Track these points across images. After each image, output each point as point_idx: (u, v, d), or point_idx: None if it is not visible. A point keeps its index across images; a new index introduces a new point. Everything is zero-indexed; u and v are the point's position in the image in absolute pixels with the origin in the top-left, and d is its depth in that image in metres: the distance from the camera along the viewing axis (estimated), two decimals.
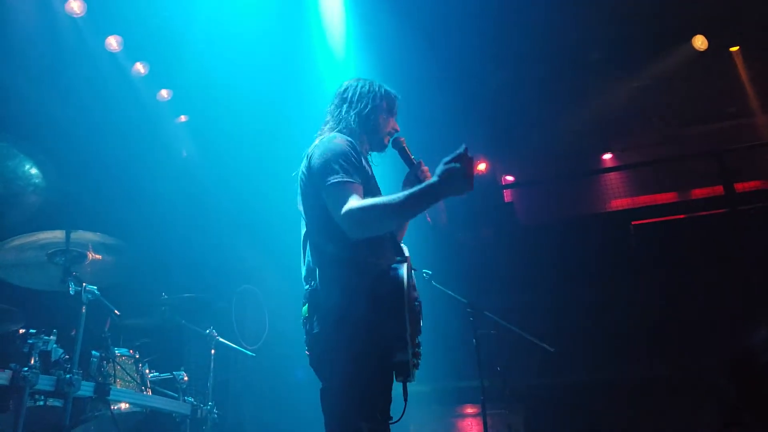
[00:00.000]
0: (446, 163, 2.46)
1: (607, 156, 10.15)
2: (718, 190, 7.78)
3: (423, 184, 2.51)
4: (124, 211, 6.05)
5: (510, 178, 10.00)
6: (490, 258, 8.19)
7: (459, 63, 8.34)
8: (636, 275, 7.04)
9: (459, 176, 2.42)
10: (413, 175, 2.99)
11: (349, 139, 2.82)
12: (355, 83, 3.07)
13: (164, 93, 7.33)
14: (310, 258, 2.74)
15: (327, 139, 2.80)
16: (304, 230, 2.85)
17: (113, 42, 6.60)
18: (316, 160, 2.71)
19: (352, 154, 2.72)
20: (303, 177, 2.82)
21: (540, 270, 7.42)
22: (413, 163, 3.01)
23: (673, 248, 7.09)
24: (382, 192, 2.86)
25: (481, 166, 9.72)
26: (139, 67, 6.93)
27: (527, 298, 7.20)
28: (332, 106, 3.06)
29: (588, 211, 9.09)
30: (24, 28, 5.43)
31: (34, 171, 4.65)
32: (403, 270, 2.56)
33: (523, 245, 8.19)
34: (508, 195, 9.36)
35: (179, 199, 7.16)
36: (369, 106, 2.97)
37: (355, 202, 2.53)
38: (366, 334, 2.50)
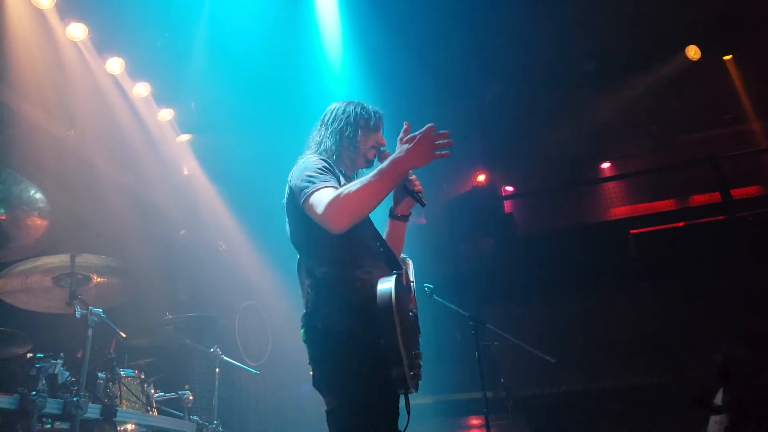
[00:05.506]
0: (402, 141, 2.65)
1: (606, 165, 10.21)
2: (716, 196, 7.81)
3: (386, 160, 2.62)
4: (127, 233, 6.11)
5: (510, 188, 10.06)
6: (491, 268, 8.24)
7: (457, 76, 8.44)
8: (635, 283, 7.08)
9: (416, 147, 2.58)
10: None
11: (323, 158, 2.86)
12: (334, 107, 3.10)
13: (165, 113, 7.40)
14: (305, 282, 2.77)
15: (302, 161, 2.85)
16: (297, 256, 2.89)
17: (115, 64, 6.69)
18: (294, 182, 2.76)
19: (325, 165, 2.77)
20: (287, 203, 2.86)
21: (540, 280, 7.47)
22: None
23: (671, 256, 7.13)
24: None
25: (481, 177, 9.79)
26: (141, 88, 7.01)
27: (528, 308, 7.24)
28: (314, 132, 3.11)
29: (587, 220, 9.14)
30: (27, 54, 5.51)
31: (38, 196, 4.72)
32: (391, 283, 2.53)
33: (524, 255, 8.24)
34: (508, 206, 9.42)
35: (181, 217, 7.24)
36: (344, 125, 3.00)
37: (329, 195, 2.57)
38: (362, 351, 2.49)
